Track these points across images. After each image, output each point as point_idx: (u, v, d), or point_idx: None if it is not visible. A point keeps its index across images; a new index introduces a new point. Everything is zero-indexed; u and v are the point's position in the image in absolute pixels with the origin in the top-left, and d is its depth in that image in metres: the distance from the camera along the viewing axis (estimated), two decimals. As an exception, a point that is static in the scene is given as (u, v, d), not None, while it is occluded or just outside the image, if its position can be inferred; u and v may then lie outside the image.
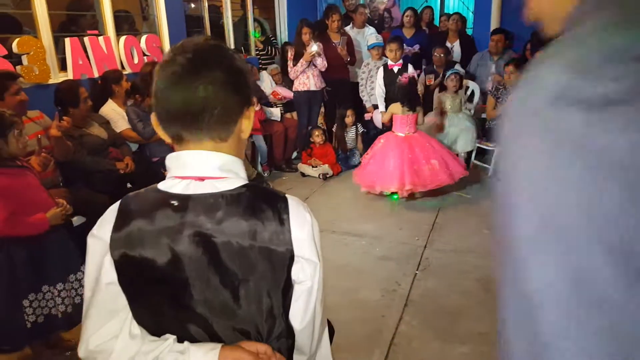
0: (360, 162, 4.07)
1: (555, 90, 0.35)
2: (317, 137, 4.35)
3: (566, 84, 0.34)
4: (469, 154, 4.32)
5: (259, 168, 4.32)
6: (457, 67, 4.53)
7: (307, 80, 4.35)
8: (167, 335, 0.74)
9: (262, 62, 5.16)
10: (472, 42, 5.09)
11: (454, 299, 2.34)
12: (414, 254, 2.82)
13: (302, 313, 0.75)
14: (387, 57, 4.31)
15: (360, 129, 4.59)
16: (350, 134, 4.56)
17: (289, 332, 0.77)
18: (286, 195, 0.76)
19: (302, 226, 0.73)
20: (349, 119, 4.46)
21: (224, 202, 0.70)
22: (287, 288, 0.74)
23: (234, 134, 0.73)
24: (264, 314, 0.74)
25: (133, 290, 0.73)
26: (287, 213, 0.72)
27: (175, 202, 0.71)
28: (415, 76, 3.92)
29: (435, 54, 4.50)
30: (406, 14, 4.97)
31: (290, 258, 0.72)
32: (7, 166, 1.81)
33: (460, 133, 4.18)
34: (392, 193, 3.62)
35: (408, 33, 4.95)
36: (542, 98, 0.36)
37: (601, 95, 0.33)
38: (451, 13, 5.25)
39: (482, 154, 4.28)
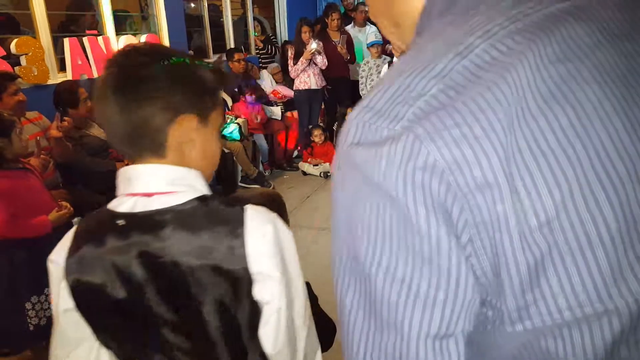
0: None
1: (356, 130, 0.37)
2: (317, 136, 4.35)
3: (364, 124, 0.36)
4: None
5: (260, 167, 4.32)
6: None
7: (307, 78, 4.35)
8: None
9: (263, 61, 5.15)
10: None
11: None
12: (416, 252, 2.82)
13: (273, 336, 0.68)
14: (386, 55, 4.31)
15: None
16: None
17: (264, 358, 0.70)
18: (247, 205, 0.68)
19: (260, 239, 0.65)
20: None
21: (172, 219, 0.64)
22: (254, 311, 0.67)
23: (170, 149, 0.66)
24: (232, 340, 0.68)
25: (92, 317, 0.69)
26: (243, 226, 0.65)
27: (121, 222, 0.66)
28: None
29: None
30: None
31: (246, 277, 0.65)
32: (10, 168, 1.81)
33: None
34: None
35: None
36: (348, 139, 0.38)
37: (382, 134, 0.34)
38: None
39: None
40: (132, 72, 0.64)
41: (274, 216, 0.69)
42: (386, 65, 4.23)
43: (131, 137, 0.65)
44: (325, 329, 1.10)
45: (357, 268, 0.36)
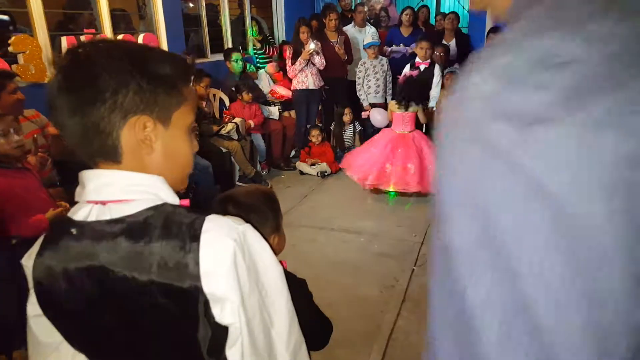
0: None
1: (482, 101, 0.33)
2: (315, 136, 4.36)
3: (492, 95, 0.32)
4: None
5: (258, 166, 4.33)
6: (456, 66, 4.54)
7: (305, 78, 4.36)
8: None
9: (260, 61, 5.17)
10: (468, 40, 5.11)
11: (452, 295, 2.36)
12: (411, 251, 2.84)
13: None
14: (382, 56, 4.36)
15: (358, 127, 4.61)
16: (348, 132, 4.59)
17: None
18: (208, 216, 0.61)
19: (217, 255, 0.58)
20: (346, 117, 4.49)
21: (122, 230, 0.60)
22: (216, 332, 0.60)
23: (126, 153, 0.61)
24: None
25: (58, 324, 0.67)
26: (198, 239, 0.58)
27: (74, 231, 0.62)
28: (414, 75, 3.94)
29: (436, 52, 4.52)
30: (405, 12, 4.98)
31: (197, 297, 0.58)
32: (8, 167, 1.81)
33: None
34: (390, 191, 3.64)
35: (406, 32, 4.97)
36: (472, 108, 0.34)
37: (526, 109, 0.30)
38: (447, 12, 5.27)
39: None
40: (75, 72, 0.60)
41: (242, 229, 0.61)
42: (408, 66, 4.23)
43: (83, 142, 0.61)
44: (321, 326, 1.10)
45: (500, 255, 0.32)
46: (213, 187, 3.37)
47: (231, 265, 0.59)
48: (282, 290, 0.65)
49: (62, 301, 0.64)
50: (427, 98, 4.18)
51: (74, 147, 0.63)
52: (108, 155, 0.62)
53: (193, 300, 0.59)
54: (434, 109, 4.29)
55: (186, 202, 0.65)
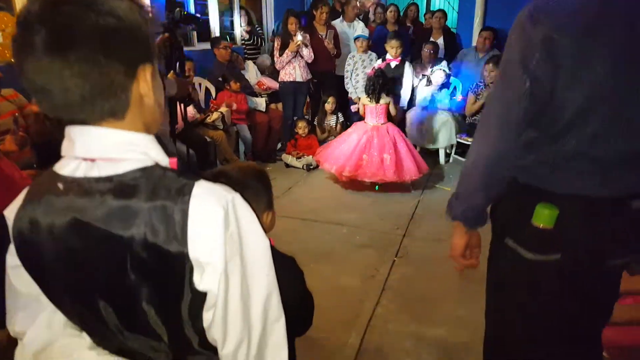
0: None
1: (529, 11, 0.88)
2: (301, 128, 4.36)
3: (534, 9, 0.87)
4: (450, 148, 4.41)
5: (243, 158, 4.31)
6: (443, 63, 4.60)
7: (293, 70, 4.36)
8: (84, 335, 0.69)
9: (248, 52, 5.14)
10: (455, 38, 5.17)
11: (431, 285, 2.40)
12: (393, 243, 2.87)
13: (220, 333, 0.62)
14: (371, 51, 4.37)
15: (341, 118, 4.61)
16: (331, 122, 4.57)
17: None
18: (198, 181, 0.61)
19: (205, 221, 0.58)
20: (328, 106, 4.49)
21: (110, 188, 0.59)
22: (195, 300, 0.61)
23: (132, 106, 0.61)
24: (172, 331, 0.63)
25: (36, 277, 0.66)
26: (187, 203, 0.58)
27: (60, 186, 0.61)
28: (382, 68, 3.99)
29: (425, 49, 4.56)
30: (389, 9, 5.00)
31: (183, 262, 0.58)
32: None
33: (441, 128, 4.26)
34: (374, 184, 3.67)
35: (391, 29, 4.99)
36: (523, 15, 0.90)
37: (556, 23, 0.84)
38: (435, 10, 5.32)
39: (462, 148, 4.36)
40: (74, 27, 0.54)
41: (231, 197, 0.61)
42: (379, 61, 4.28)
43: (88, 103, 0.57)
44: (310, 305, 1.10)
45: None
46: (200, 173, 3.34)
47: (218, 231, 0.58)
48: (265, 264, 0.64)
49: (42, 254, 0.64)
50: (396, 93, 4.22)
51: (65, 111, 0.59)
52: (117, 112, 0.60)
53: (180, 267, 0.59)
54: (404, 108, 4.36)
55: (174, 160, 0.64)
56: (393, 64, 4.28)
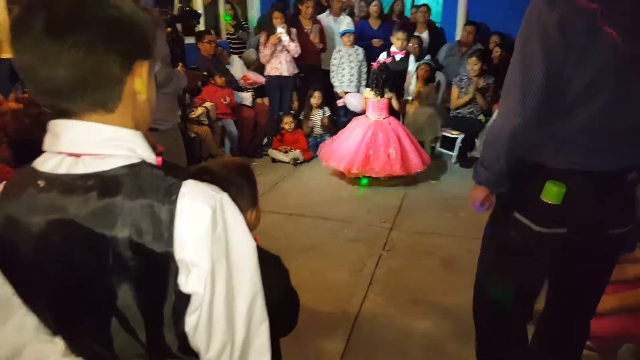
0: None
1: None
2: (288, 123, 4.34)
3: None
4: (435, 141, 4.45)
5: (229, 153, 4.28)
6: (428, 57, 4.62)
7: (279, 65, 4.33)
8: (57, 340, 0.66)
9: (233, 46, 5.08)
10: (440, 33, 5.20)
11: (418, 277, 2.43)
12: (380, 236, 2.89)
13: (204, 337, 0.60)
14: (358, 45, 4.38)
15: (327, 113, 4.60)
16: (317, 117, 4.56)
17: None
18: (186, 181, 0.59)
19: (192, 221, 0.57)
20: (314, 100, 4.46)
21: (95, 185, 0.57)
22: (179, 302, 0.59)
23: (124, 100, 0.60)
24: (151, 335, 0.61)
25: (10, 275, 0.64)
26: (175, 203, 0.57)
27: (41, 183, 0.59)
28: (387, 63, 3.99)
29: (410, 43, 4.58)
30: (373, 3, 4.99)
31: (168, 263, 0.57)
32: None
33: (426, 121, 4.30)
34: (361, 178, 3.68)
35: (374, 24, 4.97)
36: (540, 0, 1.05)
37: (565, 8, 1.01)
38: (419, 4, 5.34)
39: (447, 142, 4.41)
40: (76, 12, 0.54)
41: (219, 197, 0.60)
42: (384, 54, 4.24)
43: (78, 91, 0.56)
44: (295, 305, 1.09)
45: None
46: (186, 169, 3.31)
47: (205, 231, 0.57)
48: (251, 266, 0.63)
49: (19, 253, 0.61)
50: (401, 87, 4.24)
51: (54, 99, 0.57)
52: (108, 104, 0.59)
53: (164, 268, 0.57)
54: (409, 101, 4.37)
55: (159, 159, 0.63)
56: (398, 57, 4.25)
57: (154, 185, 0.58)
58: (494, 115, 3.54)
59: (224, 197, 0.61)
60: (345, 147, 3.67)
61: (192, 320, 0.61)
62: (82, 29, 0.54)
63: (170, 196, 0.57)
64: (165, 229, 0.56)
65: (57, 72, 0.54)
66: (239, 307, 0.62)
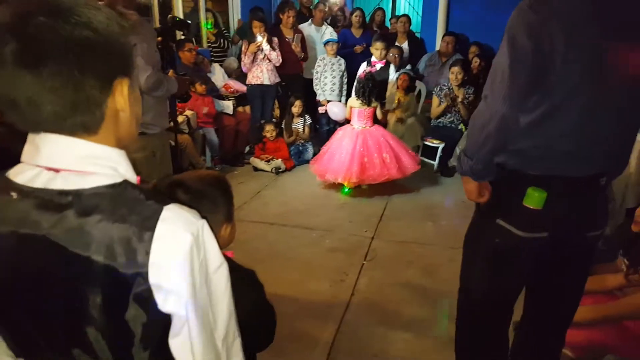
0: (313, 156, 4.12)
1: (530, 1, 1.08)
2: (269, 131, 4.32)
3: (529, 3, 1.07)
4: (415, 150, 4.49)
5: (210, 162, 4.22)
6: (408, 67, 4.67)
7: (260, 73, 4.32)
8: None
9: (214, 54, 5.05)
10: (420, 43, 5.28)
11: (399, 287, 2.42)
12: (362, 245, 2.88)
13: (188, 352, 0.60)
14: (340, 56, 4.41)
15: (308, 121, 4.59)
16: (298, 125, 4.55)
17: None
18: (167, 205, 0.58)
19: (171, 248, 0.56)
20: (295, 109, 4.45)
21: (72, 203, 0.56)
22: (155, 322, 0.58)
23: (106, 120, 0.58)
24: (116, 350, 0.60)
25: None
26: (153, 229, 0.56)
27: (14, 194, 0.57)
28: (373, 72, 4.03)
29: (390, 53, 4.63)
30: (355, 14, 5.05)
31: (132, 284, 0.56)
32: None
33: (406, 131, 4.34)
34: (343, 186, 3.67)
35: (357, 33, 5.03)
36: (524, 4, 1.08)
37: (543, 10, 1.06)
38: (400, 15, 5.42)
39: (427, 151, 4.45)
40: (46, 40, 0.52)
41: (200, 224, 0.59)
42: (365, 64, 4.27)
43: (60, 118, 0.55)
44: (270, 320, 1.07)
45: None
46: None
47: (185, 259, 0.57)
48: (227, 287, 0.63)
49: None
50: (383, 97, 4.28)
51: (35, 127, 0.56)
52: (91, 126, 0.58)
53: (129, 287, 0.56)
54: (390, 110, 4.41)
55: (138, 179, 0.62)
56: (378, 66, 4.32)
57: (133, 208, 0.57)
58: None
59: (204, 224, 0.60)
60: (338, 158, 3.65)
61: (175, 345, 0.61)
62: (54, 58, 0.52)
63: (149, 221, 0.56)
64: (141, 254, 0.56)
65: (37, 104, 0.54)
66: (219, 329, 0.63)
